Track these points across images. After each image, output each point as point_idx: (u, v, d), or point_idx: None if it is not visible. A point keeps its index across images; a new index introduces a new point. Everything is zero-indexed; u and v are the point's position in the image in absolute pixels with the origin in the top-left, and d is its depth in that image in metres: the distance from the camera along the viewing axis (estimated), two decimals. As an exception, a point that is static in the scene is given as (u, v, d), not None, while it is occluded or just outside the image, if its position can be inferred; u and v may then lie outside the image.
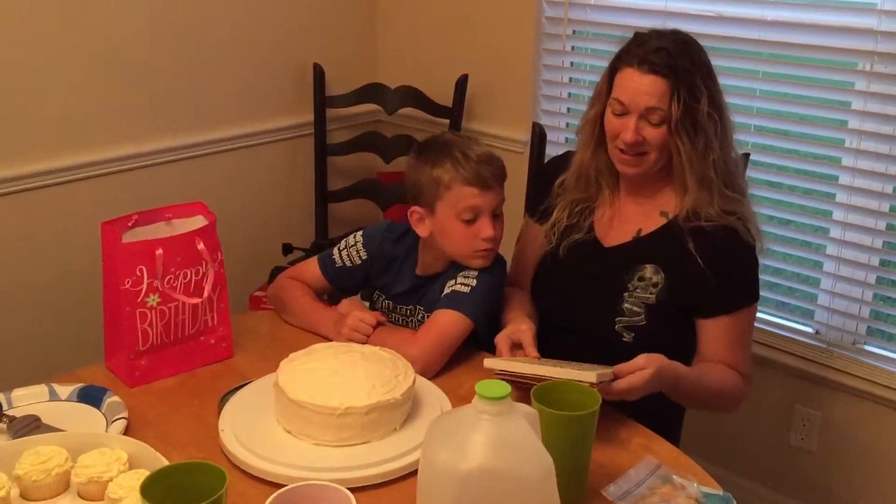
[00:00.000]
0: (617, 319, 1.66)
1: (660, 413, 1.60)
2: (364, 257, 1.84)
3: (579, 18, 2.57)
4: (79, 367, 1.64)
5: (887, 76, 2.06)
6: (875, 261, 2.19)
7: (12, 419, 1.40)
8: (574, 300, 1.74)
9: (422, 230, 1.75)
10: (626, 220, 1.73)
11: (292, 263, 2.23)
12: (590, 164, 1.74)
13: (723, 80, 2.32)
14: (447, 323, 1.66)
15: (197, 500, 1.02)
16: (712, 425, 2.44)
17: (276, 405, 1.41)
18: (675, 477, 1.27)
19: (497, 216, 1.72)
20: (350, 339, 1.66)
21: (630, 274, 1.67)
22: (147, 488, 1.04)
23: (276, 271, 2.20)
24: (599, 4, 2.53)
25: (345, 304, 1.77)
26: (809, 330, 2.35)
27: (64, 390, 1.51)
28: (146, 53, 2.44)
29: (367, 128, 2.94)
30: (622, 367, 1.43)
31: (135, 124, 2.47)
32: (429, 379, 1.57)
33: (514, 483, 1.01)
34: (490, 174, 1.69)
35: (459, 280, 1.72)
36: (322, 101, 2.82)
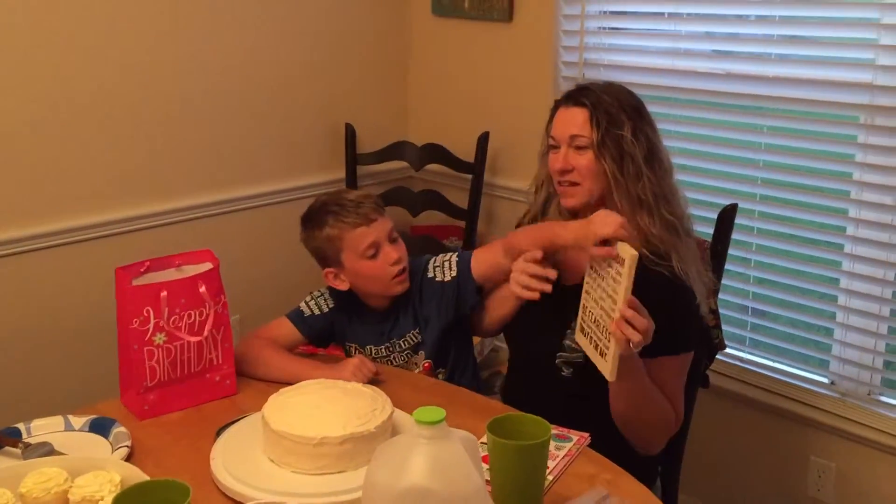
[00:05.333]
0: (558, 354, 1.74)
1: (635, 457, 1.66)
2: (331, 305, 1.93)
3: (594, 78, 2.66)
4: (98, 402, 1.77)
5: (886, 129, 2.10)
6: (886, 311, 2.19)
7: (27, 445, 1.54)
8: (522, 330, 1.84)
9: (341, 285, 1.87)
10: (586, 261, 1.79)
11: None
12: (541, 208, 1.86)
13: (729, 135, 2.42)
14: None
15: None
16: (730, 474, 2.44)
17: (262, 435, 1.51)
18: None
19: (394, 240, 1.84)
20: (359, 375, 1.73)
21: (576, 312, 1.72)
22: (120, 501, 1.15)
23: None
24: (613, 64, 2.64)
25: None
26: (824, 380, 2.36)
27: (78, 421, 1.64)
28: (191, 112, 2.66)
29: (396, 183, 3.07)
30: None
31: (174, 181, 2.67)
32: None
33: (446, 501, 1.09)
34: (369, 209, 1.82)
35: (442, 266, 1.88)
36: (353, 159, 2.98)
